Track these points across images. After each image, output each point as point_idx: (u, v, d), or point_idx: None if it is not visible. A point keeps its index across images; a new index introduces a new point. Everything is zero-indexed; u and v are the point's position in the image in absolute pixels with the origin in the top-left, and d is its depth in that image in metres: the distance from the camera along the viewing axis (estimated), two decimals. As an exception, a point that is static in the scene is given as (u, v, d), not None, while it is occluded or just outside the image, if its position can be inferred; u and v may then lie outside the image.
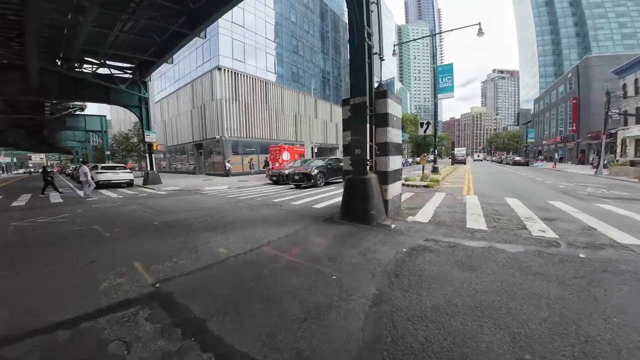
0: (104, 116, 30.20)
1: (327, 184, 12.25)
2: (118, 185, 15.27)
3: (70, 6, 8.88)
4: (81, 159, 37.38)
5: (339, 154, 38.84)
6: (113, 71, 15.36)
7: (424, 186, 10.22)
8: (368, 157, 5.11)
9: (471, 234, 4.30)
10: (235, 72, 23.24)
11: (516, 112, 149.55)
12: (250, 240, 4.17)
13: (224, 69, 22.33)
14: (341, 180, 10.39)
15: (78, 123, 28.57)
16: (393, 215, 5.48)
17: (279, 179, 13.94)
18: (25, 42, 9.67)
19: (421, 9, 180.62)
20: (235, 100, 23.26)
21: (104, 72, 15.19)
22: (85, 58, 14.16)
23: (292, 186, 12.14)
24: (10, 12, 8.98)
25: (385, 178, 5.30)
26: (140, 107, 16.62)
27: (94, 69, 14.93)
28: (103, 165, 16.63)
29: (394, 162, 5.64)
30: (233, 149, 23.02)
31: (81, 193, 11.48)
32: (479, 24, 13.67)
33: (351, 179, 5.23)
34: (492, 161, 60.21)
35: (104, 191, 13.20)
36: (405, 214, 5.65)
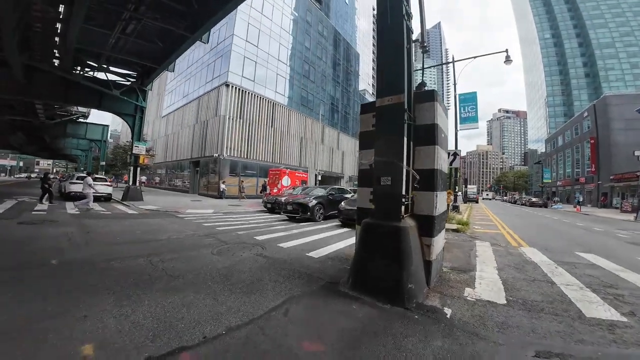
0: (107, 126, 29.49)
1: (326, 218, 10.05)
2: (96, 199, 13.36)
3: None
4: (82, 169, 36.33)
5: (343, 184, 37.11)
6: (112, 77, 14.42)
7: (454, 230, 8.04)
8: (403, 191, 3.13)
9: (611, 333, 2.26)
10: (243, 90, 22.56)
11: (523, 151, 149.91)
12: (169, 328, 2.09)
13: (232, 86, 21.65)
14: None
15: (79, 131, 27.76)
16: (437, 285, 3.34)
17: (274, 207, 11.88)
18: (2, 35, 8.49)
19: (429, 49, 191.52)
20: (240, 118, 22.21)
21: (102, 78, 14.27)
22: (88, 62, 13.30)
23: (286, 218, 10.09)
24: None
25: (429, 226, 3.26)
26: (135, 116, 15.40)
27: (93, 73, 14.03)
28: (79, 175, 14.91)
29: (441, 201, 3.64)
30: (231, 169, 21.37)
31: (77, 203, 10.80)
32: (506, 50, 12.72)
33: (372, 226, 3.21)
34: (504, 201, 57.61)
35: (68, 203, 11.31)
36: (454, 282, 3.51)
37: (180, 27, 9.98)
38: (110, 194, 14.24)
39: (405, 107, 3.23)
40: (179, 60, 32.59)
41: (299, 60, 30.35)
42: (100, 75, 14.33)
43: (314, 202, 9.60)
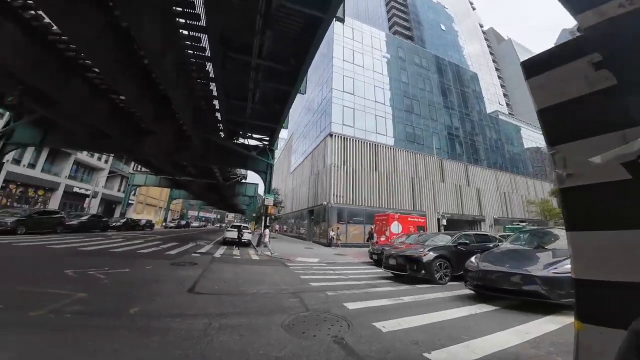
0: (257, 184, 38.60)
1: (456, 279, 6.66)
2: (242, 244, 16.21)
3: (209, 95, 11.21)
4: (246, 219, 48.31)
5: (485, 228, 28.87)
6: (252, 142, 18.85)
7: None
8: None
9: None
10: (344, 137, 23.71)
11: None
12: None
13: (335, 135, 23.28)
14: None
15: (241, 189, 37.80)
16: None
17: (380, 259, 9.78)
18: (182, 114, 12.80)
19: None
20: (343, 165, 22.84)
21: (246, 144, 18.94)
22: (239, 132, 18.05)
23: (393, 275, 7.61)
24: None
25: None
26: (266, 172, 18.81)
27: (242, 141, 18.85)
28: (233, 224, 19.09)
29: None
30: (338, 216, 21.30)
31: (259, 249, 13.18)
32: None
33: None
34: None
35: (223, 247, 13.93)
36: None
37: (284, 83, 11.65)
38: (250, 240, 17.00)
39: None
40: (298, 125, 40.45)
41: (398, 97, 29.61)
42: (245, 141, 19.04)
43: (432, 255, 6.67)
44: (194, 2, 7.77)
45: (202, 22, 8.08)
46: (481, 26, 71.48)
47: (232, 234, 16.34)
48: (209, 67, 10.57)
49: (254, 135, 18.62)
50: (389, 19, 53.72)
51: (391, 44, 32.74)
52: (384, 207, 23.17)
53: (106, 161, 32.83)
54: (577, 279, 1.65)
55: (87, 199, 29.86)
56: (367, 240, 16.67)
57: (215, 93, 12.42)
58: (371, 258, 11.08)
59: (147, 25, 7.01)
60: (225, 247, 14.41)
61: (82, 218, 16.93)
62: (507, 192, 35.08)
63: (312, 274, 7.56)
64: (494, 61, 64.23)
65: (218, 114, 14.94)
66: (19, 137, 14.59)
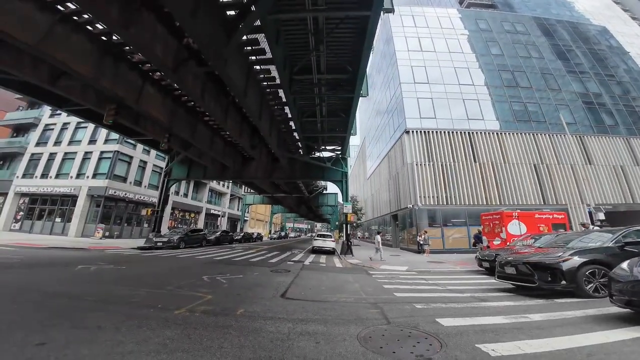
0: (336, 194, 40.10)
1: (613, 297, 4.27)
2: (326, 252, 17.16)
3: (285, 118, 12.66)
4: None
5: None
6: (326, 154, 19.84)
7: None
8: None
9: None
10: (424, 131, 21.12)
11: None
12: None
13: (412, 131, 21.12)
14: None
15: (323, 200, 40.35)
16: None
17: (493, 267, 7.92)
18: (269, 143, 14.83)
19: None
20: (429, 162, 20.25)
21: (321, 156, 20.11)
22: (314, 147, 19.51)
23: (513, 286, 5.95)
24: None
25: None
26: (342, 181, 19.24)
27: (318, 154, 20.17)
28: (319, 233, 20.36)
29: None
30: (430, 219, 18.86)
31: (376, 256, 13.37)
32: None
33: None
34: None
35: (312, 256, 15.01)
36: None
37: (346, 91, 11.74)
38: (334, 248, 17.62)
39: None
40: (369, 129, 39.36)
41: (492, 73, 24.20)
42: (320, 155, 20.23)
43: (577, 260, 4.82)
44: (257, 38, 9.07)
45: (268, 55, 9.29)
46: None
47: (319, 243, 17.31)
48: (281, 92, 12.00)
49: (327, 147, 19.50)
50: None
51: (467, 19, 28.04)
52: (494, 204, 18.90)
53: (227, 187, 42.11)
54: None
55: (219, 218, 39.06)
56: (474, 245, 13.98)
57: (289, 115, 13.90)
58: (480, 266, 9.17)
59: (231, 69, 8.68)
60: (314, 255, 15.40)
61: (217, 234, 22.00)
62: None
63: (397, 284, 6.88)
64: (625, 10, 44.39)
65: (295, 134, 16.59)
66: (175, 174, 20.87)
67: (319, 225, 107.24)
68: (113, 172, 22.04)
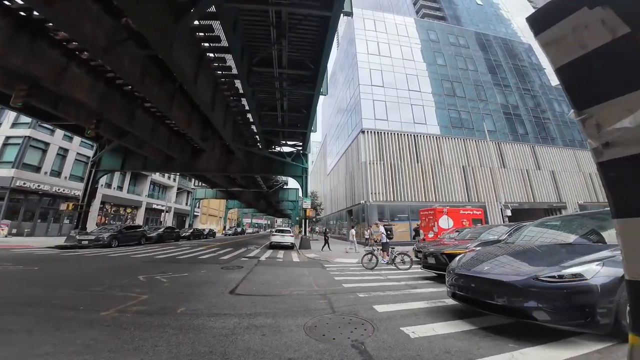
0: (297, 189, 40.22)
1: None
2: (285, 247, 16.97)
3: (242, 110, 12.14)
4: (292, 223, 50.85)
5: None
6: (287, 149, 19.70)
7: None
8: None
9: None
10: (378, 132, 22.79)
11: None
12: None
13: (367, 131, 22.56)
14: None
15: (284, 195, 40.03)
16: None
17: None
18: (223, 136, 14.10)
19: None
20: (380, 161, 21.92)
21: (282, 151, 19.88)
22: (274, 141, 19.15)
23: (436, 275, 6.87)
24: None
25: None
26: (302, 176, 19.44)
27: (278, 149, 19.88)
28: (277, 228, 20.20)
29: None
30: (379, 214, 20.50)
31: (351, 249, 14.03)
32: None
33: None
34: None
35: (269, 251, 14.76)
36: None
37: (307, 88, 11.94)
38: (293, 243, 17.63)
39: None
40: (330, 127, 40.61)
41: (436, 82, 27.19)
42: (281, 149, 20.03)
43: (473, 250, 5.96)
44: (211, 25, 8.52)
45: (224, 43, 8.79)
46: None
47: (277, 238, 17.21)
48: (238, 83, 11.46)
49: (288, 143, 19.44)
50: (415, 3, 50.24)
51: (420, 28, 30.70)
52: (431, 201, 21.44)
53: (174, 179, 38.35)
54: (630, 281, 1.32)
55: (163, 213, 35.37)
56: (413, 238, 15.67)
57: (247, 107, 13.38)
58: (417, 257, 10.35)
59: (178, 54, 7.95)
60: (272, 250, 15.28)
61: (159, 230, 19.95)
62: (594, 173, 28.71)
63: (346, 276, 7.41)
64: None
65: (254, 127, 16.06)
66: (105, 165, 18.17)
67: (279, 220, 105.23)
68: (22, 161, 18.21)
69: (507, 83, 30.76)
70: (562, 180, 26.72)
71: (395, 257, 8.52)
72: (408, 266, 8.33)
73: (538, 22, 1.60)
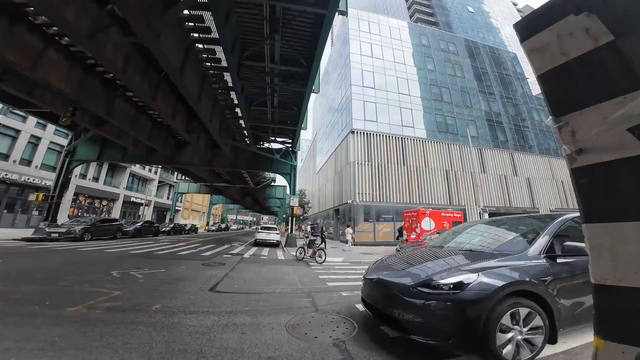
0: (285, 186, 39.84)
1: None
2: (270, 245, 16.70)
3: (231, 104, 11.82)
4: (279, 221, 50.17)
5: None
6: (275, 145, 19.47)
7: None
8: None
9: None
10: (367, 133, 23.06)
11: None
12: None
13: (357, 132, 22.78)
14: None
15: (272, 192, 39.47)
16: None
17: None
18: (209, 129, 13.68)
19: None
20: (368, 162, 22.20)
21: (271, 148, 19.60)
22: (262, 137, 18.81)
23: None
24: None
25: None
26: (290, 174, 19.27)
27: (266, 145, 19.58)
28: (263, 225, 19.91)
29: None
30: (365, 214, 20.78)
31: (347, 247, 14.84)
32: None
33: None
34: None
35: (254, 248, 14.52)
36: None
37: (298, 85, 11.79)
38: (279, 241, 17.43)
39: None
40: (321, 125, 40.72)
41: (425, 86, 27.88)
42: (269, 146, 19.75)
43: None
44: (202, 15, 8.24)
45: (215, 34, 8.53)
46: (515, 4, 64.19)
47: (262, 235, 16.98)
48: (227, 77, 11.16)
49: (277, 139, 19.21)
50: (409, 7, 51.13)
51: (413, 33, 31.24)
52: (415, 203, 21.96)
53: (156, 172, 36.85)
54: (597, 285, 1.36)
55: (142, 207, 33.93)
56: (397, 238, 15.99)
57: (236, 101, 13.07)
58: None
59: (164, 44, 7.62)
60: (256, 248, 15.06)
61: (137, 225, 19.05)
62: (567, 181, 30.55)
63: (331, 274, 7.44)
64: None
65: (242, 122, 15.71)
66: (80, 154, 17.15)
67: (265, 217, 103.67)
68: (-13, 148, 16.83)
69: (492, 91, 31.93)
70: (536, 186, 28.22)
71: (315, 252, 9.98)
72: (322, 259, 9.66)
73: (525, 29, 1.65)
